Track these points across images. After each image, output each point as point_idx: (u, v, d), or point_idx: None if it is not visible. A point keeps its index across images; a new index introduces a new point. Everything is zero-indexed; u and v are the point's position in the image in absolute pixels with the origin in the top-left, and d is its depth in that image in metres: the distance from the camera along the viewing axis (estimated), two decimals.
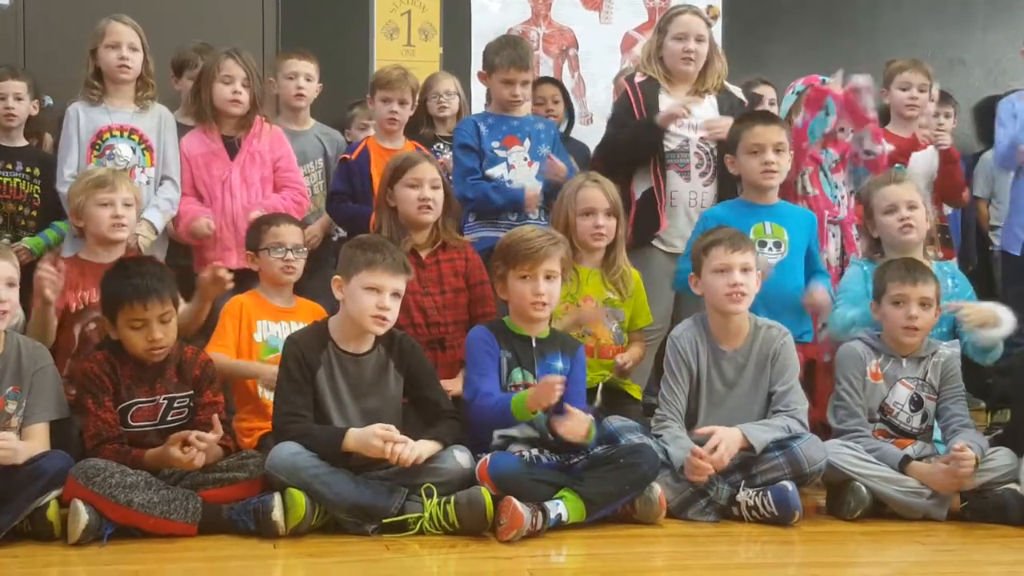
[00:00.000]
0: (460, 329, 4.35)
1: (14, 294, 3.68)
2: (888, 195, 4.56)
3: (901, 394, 4.20)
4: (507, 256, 4.03)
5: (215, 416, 3.73)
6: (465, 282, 4.47)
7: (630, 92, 5.04)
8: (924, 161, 5.54)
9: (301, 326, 4.22)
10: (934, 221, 4.80)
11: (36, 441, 3.66)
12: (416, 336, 4.18)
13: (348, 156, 5.12)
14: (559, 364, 4.01)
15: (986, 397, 5.00)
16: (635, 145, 4.97)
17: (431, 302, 4.38)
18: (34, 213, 5.11)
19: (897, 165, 5.28)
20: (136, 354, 3.77)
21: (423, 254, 4.42)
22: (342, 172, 5.11)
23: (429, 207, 4.39)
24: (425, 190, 4.38)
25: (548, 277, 3.98)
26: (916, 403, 4.19)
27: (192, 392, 3.85)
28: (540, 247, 3.99)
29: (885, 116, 5.59)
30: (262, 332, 4.30)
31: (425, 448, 3.65)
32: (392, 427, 3.63)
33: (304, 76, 5.39)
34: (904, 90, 5.59)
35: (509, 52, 5.08)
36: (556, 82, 6.33)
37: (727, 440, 3.85)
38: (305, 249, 4.47)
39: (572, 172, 4.94)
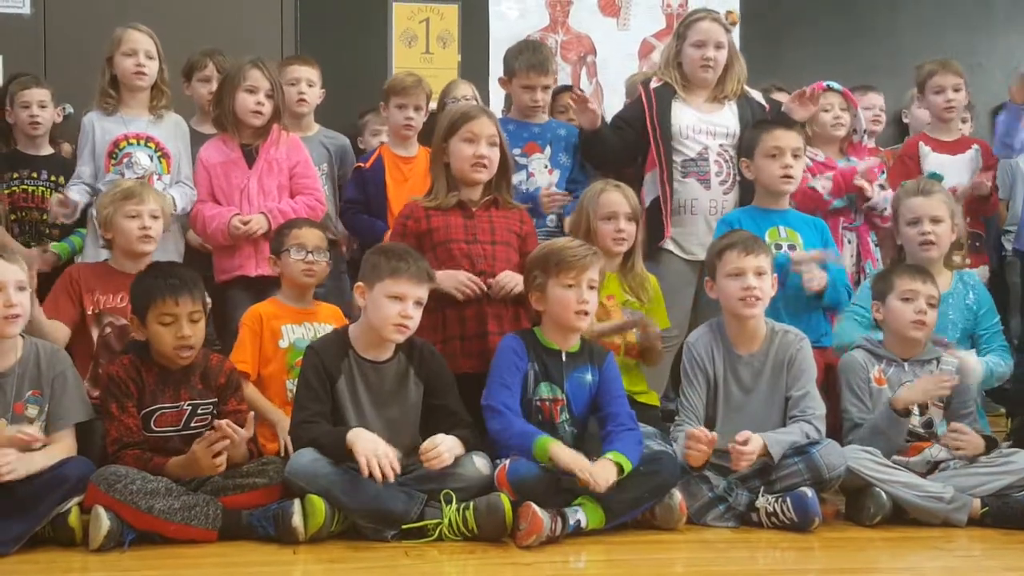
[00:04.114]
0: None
1: (25, 298, 3.69)
2: (913, 207, 4.56)
3: None
4: (548, 265, 3.95)
5: (251, 414, 3.76)
6: (520, 244, 4.28)
7: (644, 98, 5.02)
8: (966, 161, 5.53)
9: (323, 327, 4.25)
10: (963, 229, 4.78)
11: (63, 445, 3.67)
12: None
13: (362, 165, 5.11)
14: (588, 377, 3.98)
15: (1005, 403, 4.98)
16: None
17: (479, 250, 4.19)
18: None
19: (931, 172, 5.27)
20: (164, 353, 3.79)
21: (473, 208, 4.24)
22: (356, 181, 5.11)
23: (484, 165, 4.20)
24: (481, 146, 4.19)
25: (591, 286, 3.94)
26: (922, 407, 4.18)
27: (216, 400, 3.86)
28: (584, 255, 3.94)
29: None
30: (287, 337, 4.31)
31: (456, 444, 3.68)
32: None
33: (306, 82, 5.40)
34: (938, 93, 5.57)
35: (528, 56, 5.09)
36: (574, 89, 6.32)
37: (753, 440, 3.86)
38: (327, 253, 4.47)
39: (588, 180, 4.95)
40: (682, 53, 5.05)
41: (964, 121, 6.15)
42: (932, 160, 5.48)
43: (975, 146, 5.63)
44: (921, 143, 5.59)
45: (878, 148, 5.98)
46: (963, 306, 4.54)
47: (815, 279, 4.42)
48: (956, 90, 5.56)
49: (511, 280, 4.15)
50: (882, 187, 5.02)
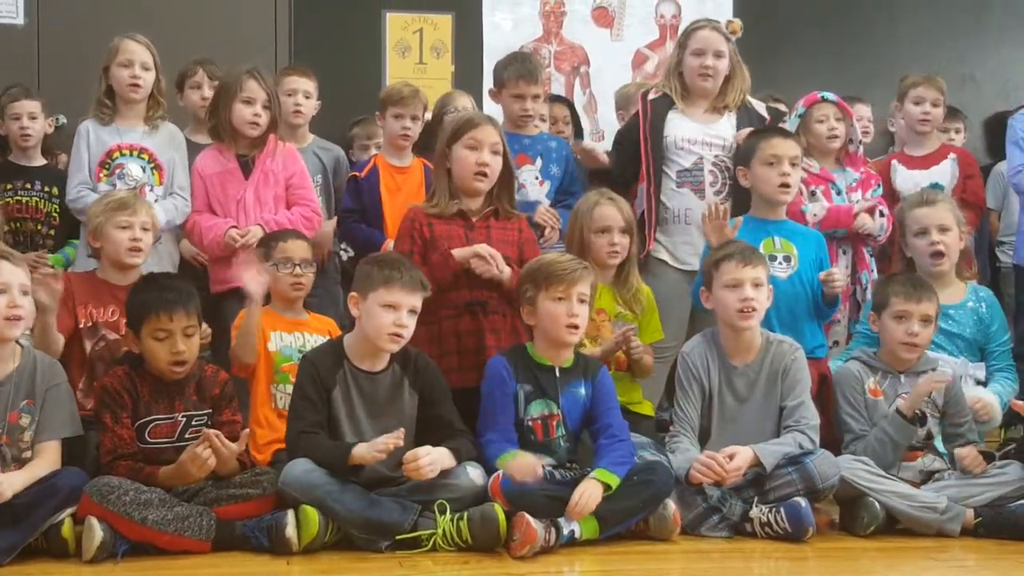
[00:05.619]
0: (504, 296, 4.19)
1: (28, 302, 3.69)
2: (919, 218, 4.57)
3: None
4: (539, 278, 3.94)
5: (245, 432, 3.76)
6: (518, 254, 4.27)
7: (640, 110, 5.03)
8: (941, 172, 5.53)
9: (314, 337, 4.26)
10: (969, 238, 4.79)
11: (47, 458, 3.66)
12: (457, 296, 4.15)
13: (357, 174, 5.11)
14: (582, 391, 3.97)
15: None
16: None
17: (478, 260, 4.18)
18: (52, 231, 5.17)
19: (932, 183, 5.28)
20: (158, 367, 3.79)
21: (474, 219, 4.25)
22: (352, 190, 5.10)
23: (485, 174, 4.20)
24: (484, 154, 4.19)
25: (580, 300, 3.92)
26: (920, 419, 4.18)
27: (211, 411, 3.86)
28: (574, 269, 3.93)
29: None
30: (275, 342, 4.31)
31: (443, 455, 3.67)
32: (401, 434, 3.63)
33: (302, 93, 5.39)
34: (917, 104, 5.58)
35: (517, 66, 5.09)
36: (566, 101, 6.34)
37: (740, 454, 3.86)
38: (314, 264, 4.47)
39: (582, 192, 4.94)
40: (683, 62, 5.05)
41: (957, 131, 6.17)
42: (904, 176, 5.48)
43: (952, 155, 5.62)
44: (895, 161, 5.59)
45: (866, 159, 5.99)
46: (975, 319, 4.55)
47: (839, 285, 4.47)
48: (935, 105, 5.58)
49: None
50: (882, 213, 4.99)
